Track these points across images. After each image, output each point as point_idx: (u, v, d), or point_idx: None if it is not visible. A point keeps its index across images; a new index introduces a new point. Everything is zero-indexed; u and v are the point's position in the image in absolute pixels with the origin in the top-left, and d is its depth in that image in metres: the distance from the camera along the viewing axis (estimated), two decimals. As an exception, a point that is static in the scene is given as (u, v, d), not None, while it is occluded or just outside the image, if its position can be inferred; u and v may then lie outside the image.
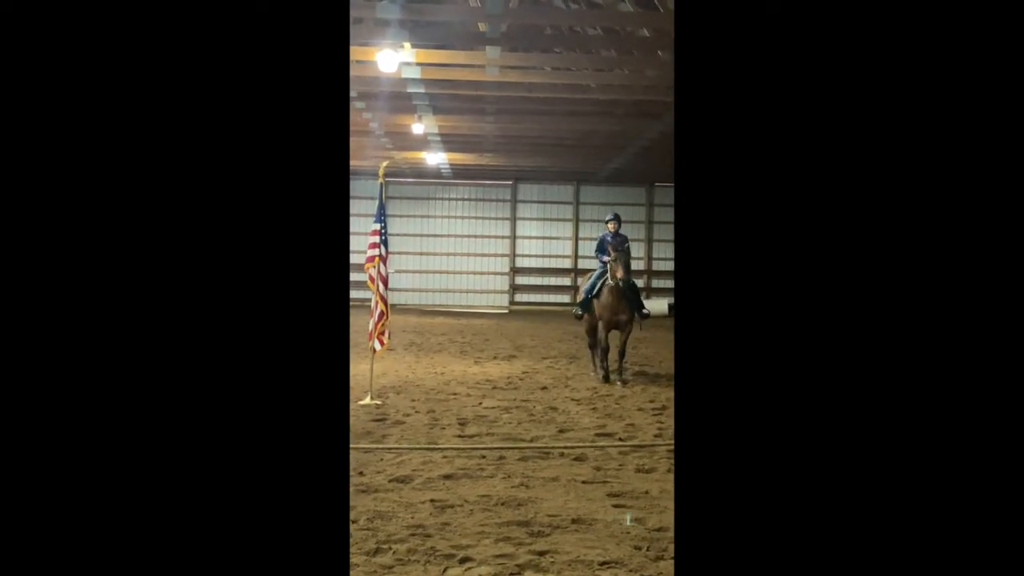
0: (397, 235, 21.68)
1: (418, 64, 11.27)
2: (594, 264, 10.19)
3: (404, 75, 11.55)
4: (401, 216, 23.59)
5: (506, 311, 23.64)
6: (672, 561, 3.66)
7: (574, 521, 4.25)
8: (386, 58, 10.13)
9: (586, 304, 9.88)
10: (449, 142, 18.29)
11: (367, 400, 7.80)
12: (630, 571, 3.60)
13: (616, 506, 4.56)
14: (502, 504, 4.54)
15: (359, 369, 9.76)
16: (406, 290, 23.64)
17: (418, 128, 15.96)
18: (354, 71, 11.85)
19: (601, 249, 9.77)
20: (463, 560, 3.64)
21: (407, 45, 10.36)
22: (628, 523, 3.94)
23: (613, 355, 9.48)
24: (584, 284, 10.40)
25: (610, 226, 9.75)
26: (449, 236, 24.67)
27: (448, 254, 24.64)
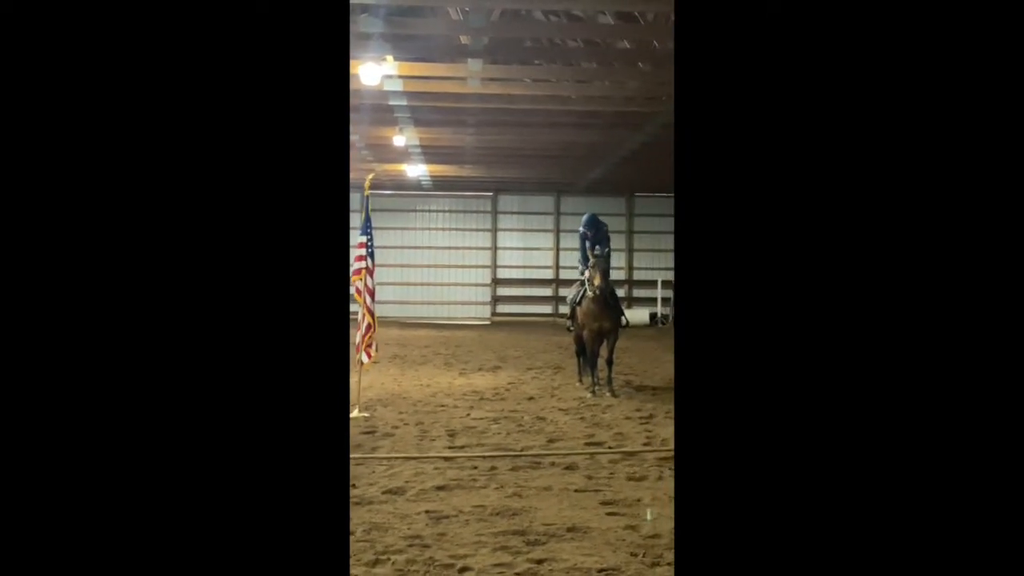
0: (378, 247, 21.64)
1: (400, 77, 11.30)
2: (574, 274, 10.16)
3: (386, 87, 11.58)
4: (381, 228, 23.48)
5: (488, 322, 23.65)
6: (668, 567, 3.70)
7: (569, 529, 4.28)
8: (369, 71, 10.16)
9: (572, 314, 9.91)
10: (430, 154, 18.33)
11: (355, 413, 7.78)
12: (628, 577, 3.63)
13: (610, 514, 4.59)
14: (497, 514, 4.55)
15: (345, 382, 9.71)
16: (387, 302, 23.56)
17: (399, 140, 15.98)
18: (336, 84, 11.86)
19: (583, 246, 9.70)
20: (462, 570, 3.66)
21: (390, 58, 10.39)
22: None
23: (600, 364, 9.50)
24: (569, 295, 10.44)
25: (588, 233, 9.68)
26: (430, 248, 24.65)
27: (429, 266, 24.61)
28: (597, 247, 9.43)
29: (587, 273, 9.37)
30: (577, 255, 10.04)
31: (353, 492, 4.97)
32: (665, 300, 23.44)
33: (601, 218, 9.93)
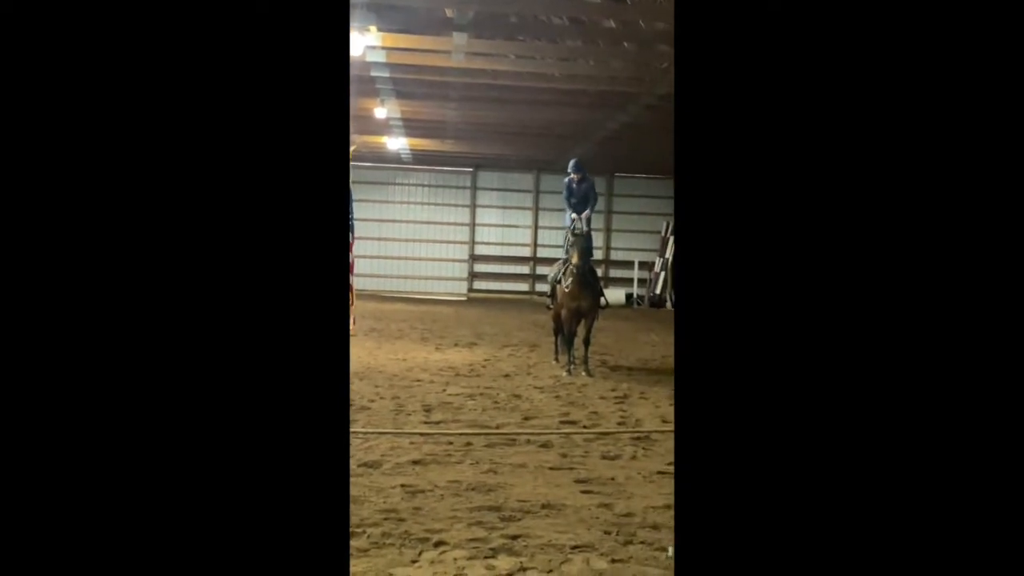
0: (356, 220, 21.58)
1: (384, 48, 11.20)
2: (553, 253, 10.13)
3: (368, 59, 11.47)
4: (360, 201, 23.38)
5: (464, 298, 23.65)
6: (641, 545, 3.75)
7: (544, 506, 4.31)
8: (352, 41, 10.05)
9: (552, 292, 9.93)
10: (411, 127, 18.23)
11: (331, 385, 7.77)
12: (601, 555, 3.67)
13: (584, 492, 4.63)
14: (472, 489, 4.58)
15: (321, 354, 9.69)
16: (364, 275, 23.49)
17: (380, 112, 15.86)
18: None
19: (568, 194, 9.59)
20: (437, 544, 3.68)
21: (373, 28, 10.29)
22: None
23: (577, 344, 9.54)
24: (550, 273, 10.43)
25: (574, 176, 9.57)
26: (408, 222, 24.57)
27: (407, 240, 24.54)
28: (580, 225, 9.33)
29: (567, 249, 9.36)
30: (554, 235, 9.98)
31: (329, 465, 4.98)
32: (642, 281, 23.56)
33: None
